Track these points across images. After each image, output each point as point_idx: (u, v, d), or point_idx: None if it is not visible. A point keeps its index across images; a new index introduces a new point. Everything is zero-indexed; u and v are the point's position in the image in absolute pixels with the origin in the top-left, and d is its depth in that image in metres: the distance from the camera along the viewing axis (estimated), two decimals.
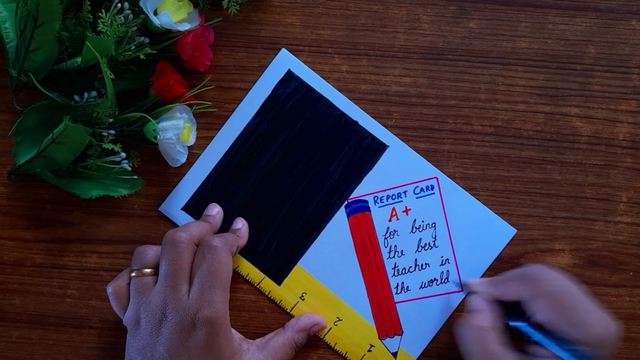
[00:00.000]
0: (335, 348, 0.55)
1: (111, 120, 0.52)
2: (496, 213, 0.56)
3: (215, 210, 0.55)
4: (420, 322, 0.55)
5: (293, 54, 0.57)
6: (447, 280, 0.55)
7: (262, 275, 0.56)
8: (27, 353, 0.56)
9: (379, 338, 0.55)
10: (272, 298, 0.56)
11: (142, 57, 0.52)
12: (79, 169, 0.53)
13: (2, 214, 0.56)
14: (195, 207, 0.56)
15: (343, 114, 0.57)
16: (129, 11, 0.51)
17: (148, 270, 0.49)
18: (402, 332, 0.55)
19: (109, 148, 0.52)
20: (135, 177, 0.55)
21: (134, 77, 0.55)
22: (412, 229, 0.56)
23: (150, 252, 0.50)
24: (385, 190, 0.56)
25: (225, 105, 0.57)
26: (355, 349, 0.55)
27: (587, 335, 0.47)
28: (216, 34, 0.57)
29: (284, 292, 0.56)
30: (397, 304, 0.55)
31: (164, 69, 0.54)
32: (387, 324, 0.55)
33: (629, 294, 0.56)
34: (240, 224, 0.55)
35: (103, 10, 0.50)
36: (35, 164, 0.52)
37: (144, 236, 0.56)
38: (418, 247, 0.56)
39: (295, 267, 0.56)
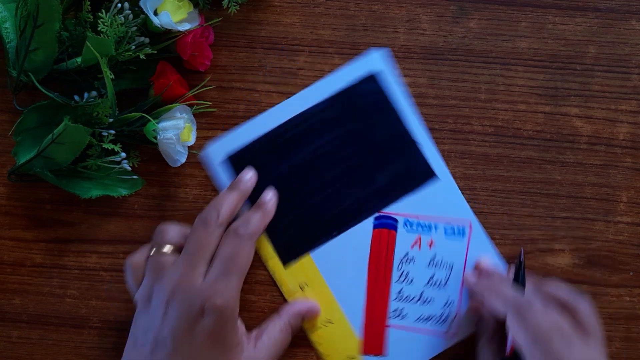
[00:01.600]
0: (317, 347, 0.55)
1: (111, 120, 0.52)
2: (496, 213, 0.56)
3: (248, 176, 0.54)
4: (406, 351, 0.55)
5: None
6: (444, 323, 0.55)
7: (273, 253, 0.55)
8: (27, 353, 0.56)
9: (361, 353, 0.55)
10: (274, 279, 0.55)
11: (142, 57, 0.52)
12: (79, 169, 0.53)
13: (2, 214, 0.56)
14: (236, 162, 0.56)
15: (407, 132, 0.56)
16: (129, 11, 0.51)
17: (167, 248, 0.49)
18: (385, 355, 0.55)
19: (109, 148, 0.52)
20: (135, 177, 0.55)
21: (134, 77, 0.55)
22: (430, 263, 0.56)
23: (172, 230, 0.50)
24: (418, 217, 0.56)
25: (225, 105, 0.57)
26: (335, 355, 0.55)
27: None
28: (216, 34, 0.57)
29: (287, 277, 0.55)
30: (389, 327, 0.55)
31: (164, 69, 0.54)
32: (374, 342, 0.55)
33: (629, 294, 0.56)
34: (269, 196, 0.54)
35: (103, 10, 0.50)
36: (35, 164, 0.52)
37: (144, 236, 0.56)
38: (429, 282, 0.55)
39: (306, 256, 0.55)
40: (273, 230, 0.55)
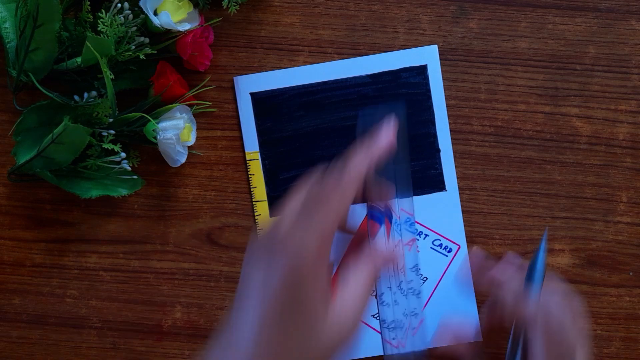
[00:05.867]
0: None
1: (111, 120, 0.52)
2: (496, 213, 0.56)
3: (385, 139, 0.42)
4: None
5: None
6: (393, 329, 0.55)
7: (264, 197, 0.56)
8: (27, 353, 0.56)
9: None
10: (256, 221, 0.56)
11: (142, 57, 0.52)
12: (79, 169, 0.54)
13: (2, 214, 0.56)
14: (260, 102, 0.56)
15: (435, 136, 0.56)
16: (129, 11, 0.51)
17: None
18: None
19: (109, 148, 0.52)
20: (135, 177, 0.55)
21: (134, 77, 0.55)
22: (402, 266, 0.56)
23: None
24: (411, 216, 0.56)
25: (225, 105, 0.57)
26: None
27: None
28: (216, 34, 0.57)
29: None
30: None
31: (164, 69, 0.54)
32: None
33: (629, 294, 0.56)
34: (383, 130, 0.42)
35: (103, 10, 0.50)
36: (35, 164, 0.52)
37: (144, 236, 0.56)
38: (397, 285, 0.56)
39: None
40: (273, 178, 0.56)
